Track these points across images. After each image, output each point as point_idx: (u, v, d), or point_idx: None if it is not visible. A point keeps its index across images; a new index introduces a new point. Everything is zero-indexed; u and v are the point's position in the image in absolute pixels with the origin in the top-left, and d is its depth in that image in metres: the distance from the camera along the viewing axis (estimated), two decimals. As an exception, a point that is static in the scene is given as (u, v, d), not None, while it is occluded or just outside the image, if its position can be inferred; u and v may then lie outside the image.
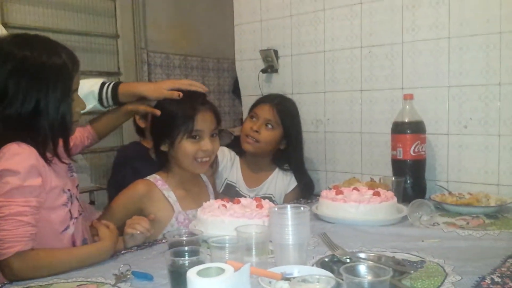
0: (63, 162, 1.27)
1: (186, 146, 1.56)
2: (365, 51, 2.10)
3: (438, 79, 1.90)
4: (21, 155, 1.14)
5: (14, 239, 1.08)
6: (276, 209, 1.07)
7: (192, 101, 1.59)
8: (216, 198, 1.76)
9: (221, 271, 0.77)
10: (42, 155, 1.17)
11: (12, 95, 1.16)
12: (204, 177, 1.79)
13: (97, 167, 3.19)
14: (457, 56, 1.85)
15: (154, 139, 1.67)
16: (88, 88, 1.58)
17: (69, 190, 1.26)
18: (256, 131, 1.97)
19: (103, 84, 1.60)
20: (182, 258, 0.90)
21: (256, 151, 2.01)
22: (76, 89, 1.27)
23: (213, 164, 1.90)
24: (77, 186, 1.34)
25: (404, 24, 1.97)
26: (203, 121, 1.57)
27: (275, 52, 2.37)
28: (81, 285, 1.05)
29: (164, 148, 1.61)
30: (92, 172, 3.18)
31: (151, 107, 1.62)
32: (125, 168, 1.99)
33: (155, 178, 1.62)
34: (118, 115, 1.68)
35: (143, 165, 1.82)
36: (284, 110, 2.03)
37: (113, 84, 1.61)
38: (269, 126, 1.99)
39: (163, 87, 1.60)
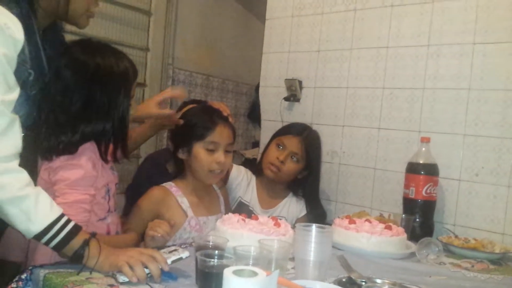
0: (117, 162, 1.36)
1: (202, 157, 1.66)
2: (386, 92, 2.19)
3: (454, 127, 1.98)
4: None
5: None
6: (302, 226, 1.14)
7: (214, 114, 1.70)
8: (226, 209, 1.86)
9: (254, 274, 0.84)
10: (103, 155, 1.27)
11: (87, 104, 1.27)
12: (217, 189, 1.88)
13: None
14: (475, 107, 1.93)
15: (173, 145, 1.77)
16: None
17: (109, 185, 1.34)
18: (282, 162, 2.03)
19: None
20: (213, 259, 0.96)
21: (276, 179, 2.08)
22: (133, 96, 1.37)
23: (224, 178, 1.99)
24: (115, 184, 1.42)
25: (427, 71, 2.06)
26: (220, 135, 1.67)
27: (300, 82, 2.47)
28: (107, 276, 1.11)
29: (181, 155, 1.71)
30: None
31: (175, 118, 1.72)
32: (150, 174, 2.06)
33: (170, 185, 1.72)
34: (145, 129, 1.78)
35: (159, 178, 1.85)
36: (311, 145, 2.10)
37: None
38: (294, 159, 2.05)
39: (151, 104, 1.68)
